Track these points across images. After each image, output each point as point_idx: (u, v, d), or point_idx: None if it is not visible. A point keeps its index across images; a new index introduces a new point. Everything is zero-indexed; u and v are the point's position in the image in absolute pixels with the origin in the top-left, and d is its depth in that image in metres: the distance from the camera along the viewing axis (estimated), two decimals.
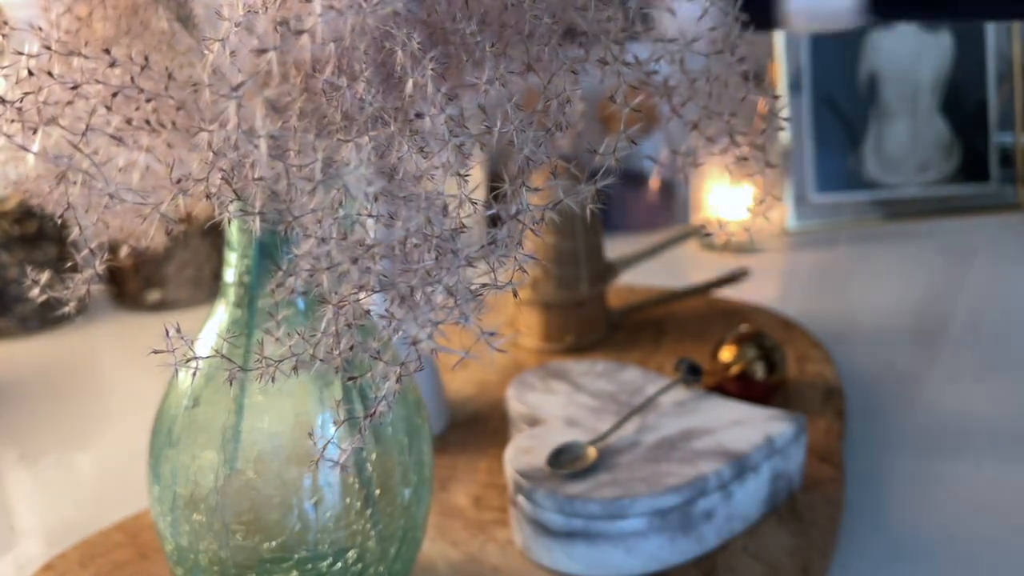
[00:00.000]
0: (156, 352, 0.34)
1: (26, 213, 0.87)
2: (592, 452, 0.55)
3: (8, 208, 0.87)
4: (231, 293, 0.44)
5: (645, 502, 0.51)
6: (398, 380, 0.34)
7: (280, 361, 0.34)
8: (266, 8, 0.30)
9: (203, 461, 0.44)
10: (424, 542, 0.51)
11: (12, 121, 0.34)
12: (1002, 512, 0.58)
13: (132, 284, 0.96)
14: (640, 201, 1.19)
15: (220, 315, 0.45)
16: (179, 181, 0.31)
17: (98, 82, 0.35)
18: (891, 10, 0.55)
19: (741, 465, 0.54)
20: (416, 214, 0.32)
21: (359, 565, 0.45)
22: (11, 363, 0.89)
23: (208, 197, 0.32)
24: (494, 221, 0.34)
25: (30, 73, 0.35)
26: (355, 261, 0.32)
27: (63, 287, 0.37)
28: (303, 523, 0.44)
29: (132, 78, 0.35)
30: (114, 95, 0.35)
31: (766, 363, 0.68)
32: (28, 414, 0.78)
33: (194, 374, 0.43)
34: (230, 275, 0.44)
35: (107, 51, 0.35)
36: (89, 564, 0.55)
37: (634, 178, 1.18)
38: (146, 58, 0.35)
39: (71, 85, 0.35)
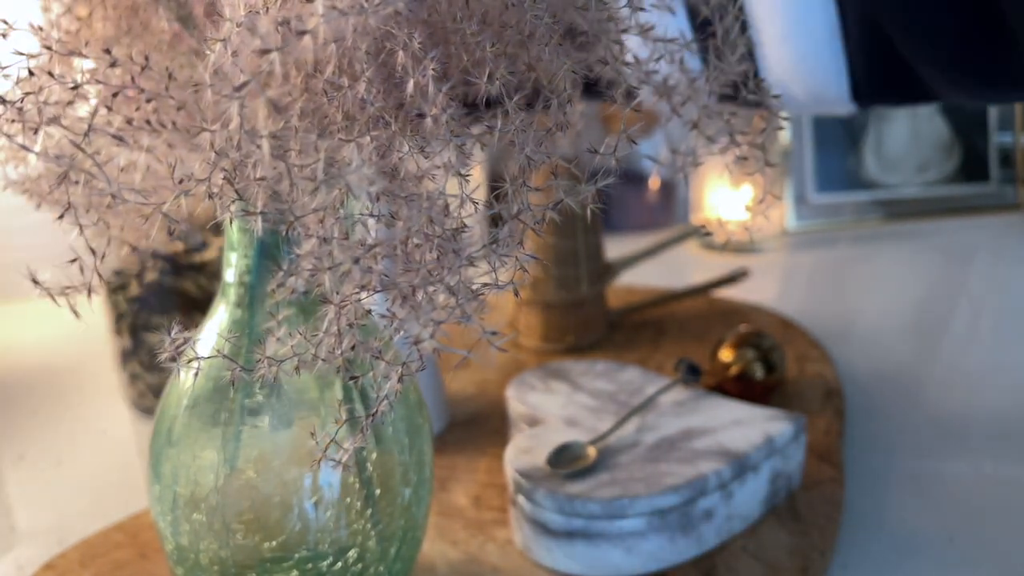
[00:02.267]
0: (158, 352, 0.34)
1: None
2: (592, 452, 0.55)
3: (208, 259, 0.72)
4: (232, 293, 0.44)
5: (645, 502, 0.51)
6: (400, 380, 0.34)
7: (282, 361, 0.34)
8: (268, 8, 0.30)
9: (203, 460, 0.44)
10: (424, 542, 0.51)
11: (13, 121, 0.34)
12: (1002, 512, 0.58)
13: None
14: (640, 201, 1.19)
15: (220, 315, 0.45)
16: (181, 181, 0.31)
17: (98, 82, 0.35)
18: (874, 97, 0.56)
19: (741, 465, 0.54)
20: (417, 214, 0.32)
21: (359, 565, 0.45)
22: (11, 363, 0.89)
23: (210, 197, 0.32)
24: (495, 221, 0.34)
25: (31, 73, 0.35)
26: (357, 261, 0.32)
27: (66, 288, 0.37)
28: (303, 523, 0.44)
29: (132, 78, 0.35)
30: (114, 95, 0.35)
31: (765, 363, 0.68)
32: (28, 414, 0.78)
33: (196, 374, 0.43)
34: (231, 275, 0.44)
35: (107, 51, 0.35)
36: (89, 564, 0.55)
37: (634, 178, 1.18)
38: (146, 58, 0.35)
39: (71, 85, 0.35)
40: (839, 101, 0.57)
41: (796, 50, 0.54)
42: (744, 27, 0.43)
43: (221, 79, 0.30)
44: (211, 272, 0.72)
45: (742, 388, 0.68)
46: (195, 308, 0.71)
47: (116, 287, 0.71)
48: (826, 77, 0.55)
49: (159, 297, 0.71)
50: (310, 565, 0.45)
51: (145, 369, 0.73)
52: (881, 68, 0.54)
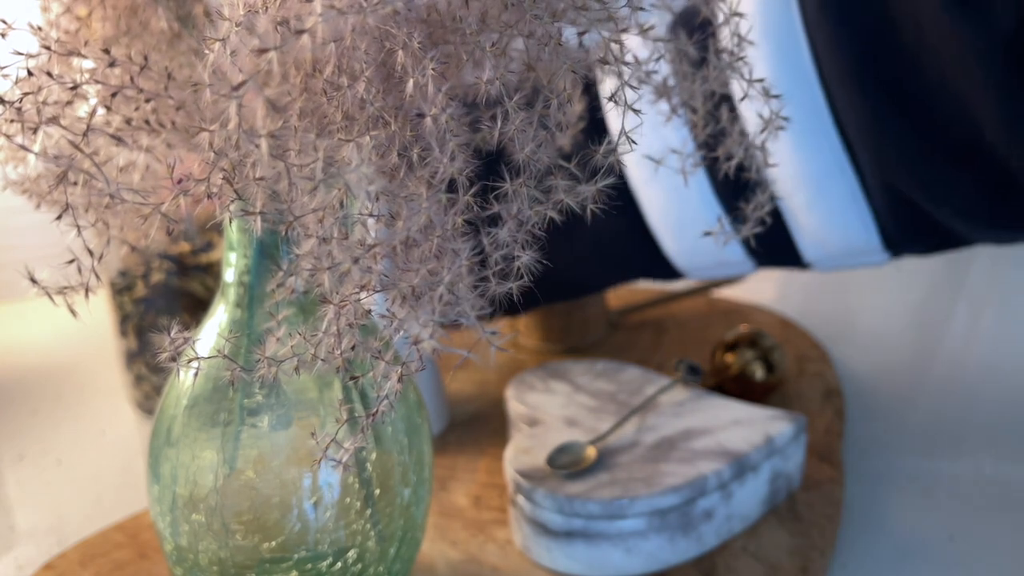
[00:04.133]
0: (159, 352, 0.34)
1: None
2: (592, 452, 0.55)
3: (215, 259, 0.72)
4: (231, 293, 0.44)
5: (644, 502, 0.51)
6: (400, 380, 0.34)
7: (281, 361, 0.34)
8: (266, 8, 0.30)
9: (202, 461, 0.44)
10: (424, 542, 0.51)
11: (12, 121, 0.34)
12: (1002, 512, 0.58)
13: None
14: None
15: (220, 315, 0.45)
16: (180, 181, 0.31)
17: (97, 82, 0.35)
18: (906, 246, 0.60)
19: (741, 465, 0.54)
20: (417, 214, 0.32)
21: (359, 565, 0.45)
22: (11, 363, 0.89)
23: (209, 197, 0.32)
24: (495, 221, 0.34)
25: (29, 73, 0.35)
26: (356, 261, 0.32)
27: (64, 288, 0.37)
28: (303, 523, 0.44)
29: (131, 78, 0.35)
30: (113, 95, 0.35)
31: (765, 363, 0.68)
32: (28, 414, 0.78)
33: (195, 374, 0.43)
34: (230, 275, 0.44)
35: (106, 51, 0.35)
36: (89, 564, 0.55)
37: None
38: (145, 58, 0.35)
39: (70, 85, 0.35)
40: (872, 252, 0.60)
41: (823, 215, 0.58)
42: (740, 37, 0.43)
43: (220, 79, 0.30)
44: (218, 273, 0.68)
45: (742, 388, 0.68)
46: (202, 309, 0.70)
47: (121, 288, 0.71)
48: (856, 235, 0.58)
49: (165, 298, 0.71)
50: (309, 565, 0.45)
51: (151, 371, 0.72)
52: (910, 223, 0.57)
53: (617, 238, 0.63)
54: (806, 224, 0.58)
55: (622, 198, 0.61)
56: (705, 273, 0.66)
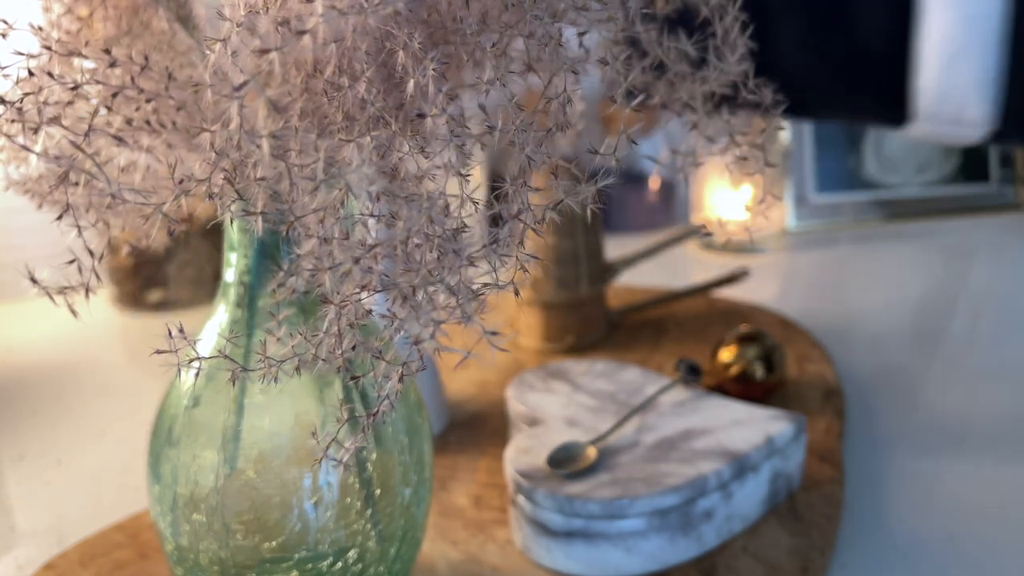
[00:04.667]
0: (159, 352, 0.34)
1: None
2: (592, 452, 0.55)
3: None
4: (232, 293, 0.44)
5: (645, 502, 0.51)
6: (400, 380, 0.34)
7: (282, 361, 0.34)
8: (267, 8, 0.30)
9: (203, 461, 0.44)
10: (424, 542, 0.51)
11: (13, 121, 0.34)
12: (1002, 512, 0.58)
13: (133, 284, 0.96)
14: (640, 201, 1.19)
15: (221, 315, 0.45)
16: (182, 181, 0.31)
17: (98, 82, 0.35)
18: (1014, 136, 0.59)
19: (741, 465, 0.54)
20: (418, 214, 0.32)
21: (359, 565, 0.45)
22: (11, 363, 0.89)
23: (210, 197, 0.32)
24: (495, 221, 0.34)
25: (31, 73, 0.35)
26: (357, 261, 0.32)
27: (64, 288, 0.37)
28: (303, 523, 0.44)
29: (132, 78, 0.35)
30: (114, 95, 0.35)
31: (766, 363, 0.68)
32: (28, 414, 0.78)
33: (196, 374, 0.43)
34: (230, 275, 0.44)
35: (107, 51, 0.35)
36: (89, 564, 0.55)
37: (634, 178, 1.18)
38: (146, 58, 0.35)
39: (71, 85, 0.35)
40: (978, 125, 0.58)
41: (959, 67, 0.56)
42: (744, 27, 0.43)
43: (221, 79, 0.30)
44: None
45: (742, 388, 0.68)
46: None
47: None
48: (976, 99, 0.56)
49: None
50: (310, 565, 0.45)
51: None
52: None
53: (878, 56, 0.60)
54: (929, 57, 0.56)
55: (903, 19, 0.58)
56: (938, 128, 0.62)
